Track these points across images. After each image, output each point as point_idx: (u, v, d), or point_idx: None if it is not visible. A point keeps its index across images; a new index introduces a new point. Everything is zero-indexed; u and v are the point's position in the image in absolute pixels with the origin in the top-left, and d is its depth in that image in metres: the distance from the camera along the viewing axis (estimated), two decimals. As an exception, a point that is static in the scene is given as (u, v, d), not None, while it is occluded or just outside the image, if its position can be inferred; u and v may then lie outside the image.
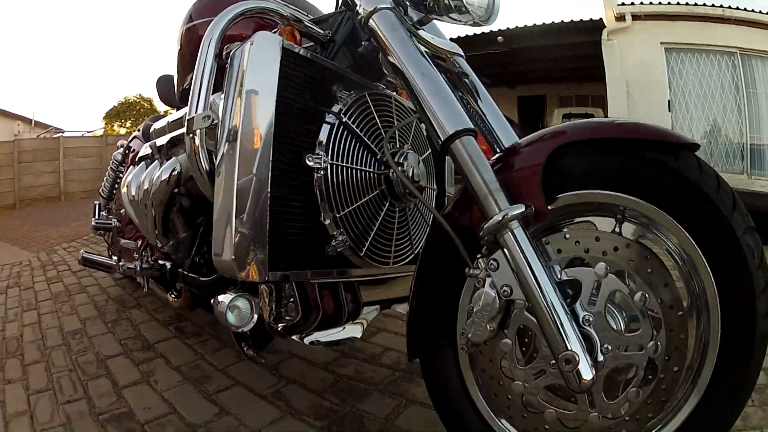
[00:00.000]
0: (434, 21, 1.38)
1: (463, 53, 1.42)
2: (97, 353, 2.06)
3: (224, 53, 1.25)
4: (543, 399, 1.01)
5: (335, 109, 1.30)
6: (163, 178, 1.55)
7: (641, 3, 7.66)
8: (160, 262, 1.76)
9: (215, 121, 1.17)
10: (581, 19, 8.01)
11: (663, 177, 0.90)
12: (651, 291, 0.92)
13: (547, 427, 1.01)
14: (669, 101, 7.29)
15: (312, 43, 1.45)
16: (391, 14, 1.14)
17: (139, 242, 2.06)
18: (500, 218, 0.93)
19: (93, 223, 2.82)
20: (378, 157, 1.37)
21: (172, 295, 1.79)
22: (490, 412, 1.08)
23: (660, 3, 7.59)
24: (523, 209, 0.93)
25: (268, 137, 1.12)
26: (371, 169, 1.35)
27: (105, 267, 2.22)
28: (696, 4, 7.50)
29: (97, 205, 3.10)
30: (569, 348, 0.87)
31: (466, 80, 1.41)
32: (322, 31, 1.44)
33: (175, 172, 1.53)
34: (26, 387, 1.77)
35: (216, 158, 1.16)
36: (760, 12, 7.31)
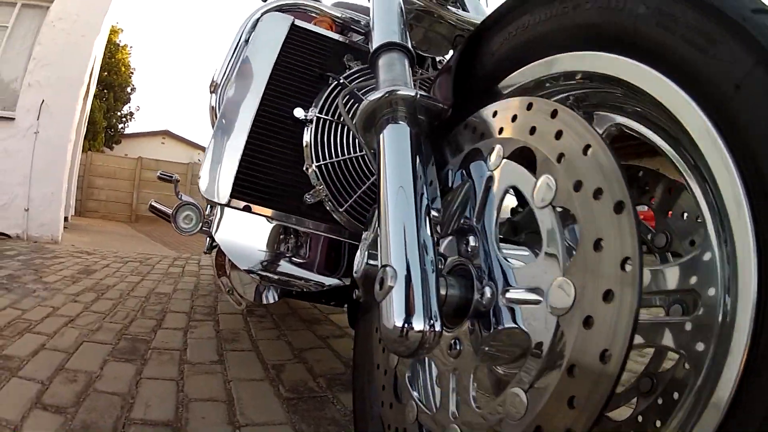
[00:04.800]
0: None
1: None
2: (165, 308, 2.37)
3: None
4: (413, 382, 0.74)
5: (339, 74, 1.42)
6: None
7: None
8: None
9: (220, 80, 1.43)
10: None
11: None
12: (566, 181, 0.54)
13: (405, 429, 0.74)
14: None
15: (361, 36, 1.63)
16: None
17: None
18: (378, 96, 0.79)
19: None
20: None
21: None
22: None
23: None
24: (412, 93, 0.78)
25: (257, 89, 1.32)
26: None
27: (167, 217, 2.49)
28: None
29: None
30: (389, 261, 0.61)
31: None
32: (362, 22, 1.61)
33: None
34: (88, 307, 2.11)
35: None
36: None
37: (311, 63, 1.41)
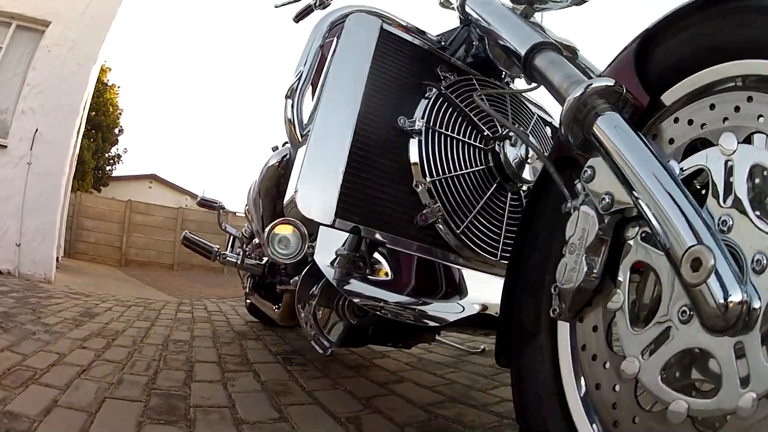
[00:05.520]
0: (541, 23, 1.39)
1: (577, 47, 1.38)
2: (189, 357, 2.07)
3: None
4: (667, 382, 0.66)
5: (438, 83, 1.30)
6: (270, 164, 1.55)
7: None
8: (264, 259, 1.74)
9: (297, 86, 1.29)
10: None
11: None
12: None
13: None
14: None
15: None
16: None
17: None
18: (581, 92, 0.75)
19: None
20: (484, 134, 1.29)
21: (275, 308, 1.73)
22: (585, 417, 0.74)
23: None
24: (612, 83, 0.75)
25: (354, 96, 1.16)
26: (475, 142, 1.28)
27: (204, 251, 2.11)
28: None
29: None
30: (700, 240, 0.59)
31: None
32: (434, 38, 1.52)
33: (285, 158, 1.52)
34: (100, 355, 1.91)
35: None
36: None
37: (404, 70, 1.28)
